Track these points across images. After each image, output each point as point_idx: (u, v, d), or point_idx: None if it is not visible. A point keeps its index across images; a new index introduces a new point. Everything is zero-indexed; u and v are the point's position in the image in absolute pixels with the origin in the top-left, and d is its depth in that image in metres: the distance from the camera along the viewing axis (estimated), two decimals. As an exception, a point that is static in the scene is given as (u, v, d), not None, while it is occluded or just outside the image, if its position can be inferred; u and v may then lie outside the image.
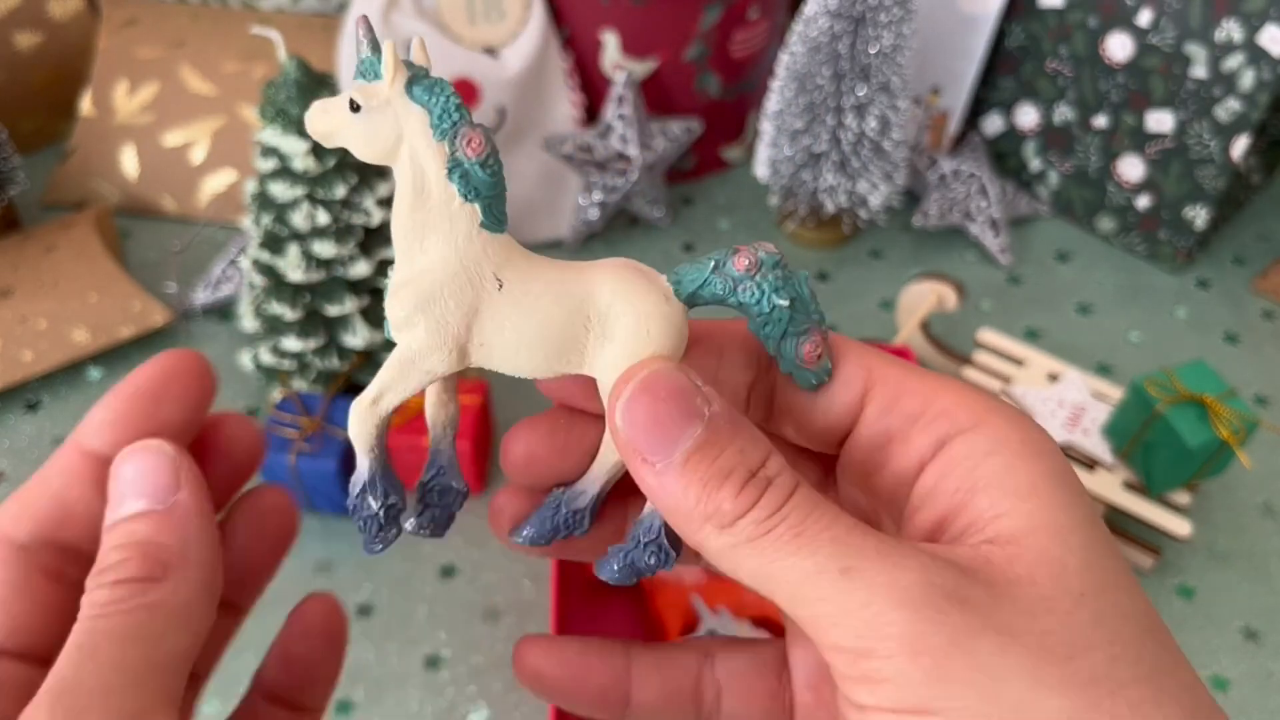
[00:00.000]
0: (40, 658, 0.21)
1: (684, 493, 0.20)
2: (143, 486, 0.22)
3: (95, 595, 0.20)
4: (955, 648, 0.18)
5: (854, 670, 0.19)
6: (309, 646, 0.26)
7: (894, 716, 0.18)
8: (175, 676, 0.20)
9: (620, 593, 0.55)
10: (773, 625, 0.51)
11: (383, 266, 0.58)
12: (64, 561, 0.22)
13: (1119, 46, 0.72)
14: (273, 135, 0.53)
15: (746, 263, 0.23)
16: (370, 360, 0.60)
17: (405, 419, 0.57)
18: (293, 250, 0.56)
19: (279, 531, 0.25)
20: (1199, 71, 0.69)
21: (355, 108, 0.23)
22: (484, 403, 0.59)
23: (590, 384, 0.23)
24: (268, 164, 0.54)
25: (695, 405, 0.20)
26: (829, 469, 0.25)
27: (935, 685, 0.18)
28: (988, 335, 0.67)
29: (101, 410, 0.23)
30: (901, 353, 0.55)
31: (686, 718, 0.26)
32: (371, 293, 0.59)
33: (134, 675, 0.19)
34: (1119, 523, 0.59)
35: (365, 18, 0.23)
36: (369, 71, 0.23)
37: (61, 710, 0.18)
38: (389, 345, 0.61)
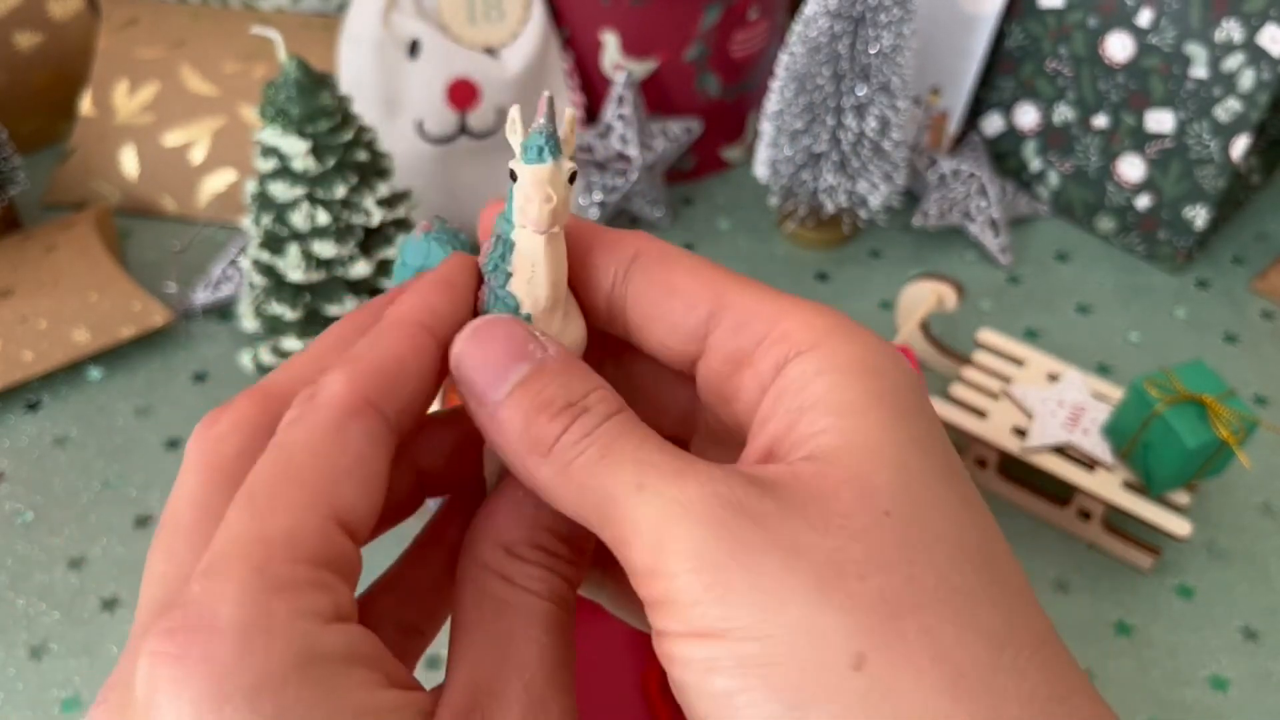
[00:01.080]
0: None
1: (511, 425, 0.20)
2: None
3: (542, 580, 0.20)
4: (736, 563, 0.17)
5: (651, 593, 0.18)
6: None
7: (686, 642, 0.18)
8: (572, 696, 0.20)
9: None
10: None
11: (383, 266, 0.58)
12: (400, 438, 0.20)
13: (1119, 46, 0.72)
14: (273, 135, 0.53)
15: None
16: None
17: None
18: (293, 250, 0.56)
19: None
20: (1199, 71, 0.69)
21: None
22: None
23: None
24: (268, 164, 0.54)
25: (526, 349, 0.20)
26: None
27: (719, 605, 0.17)
28: (987, 335, 0.67)
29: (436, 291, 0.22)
30: (902, 353, 0.55)
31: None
32: (372, 293, 0.59)
33: (568, 690, 0.20)
34: (1118, 522, 0.60)
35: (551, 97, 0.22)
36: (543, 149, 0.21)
37: None
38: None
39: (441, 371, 0.21)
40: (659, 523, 0.18)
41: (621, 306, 0.23)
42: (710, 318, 0.21)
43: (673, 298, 0.22)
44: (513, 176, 0.22)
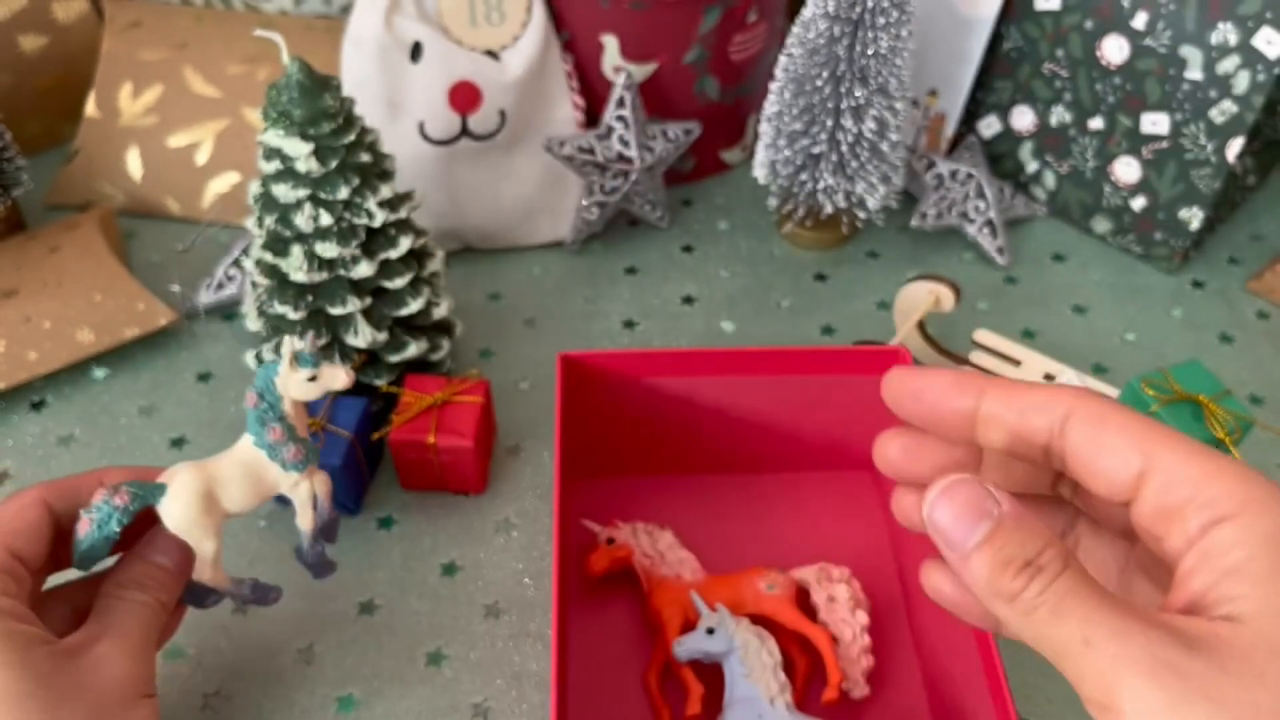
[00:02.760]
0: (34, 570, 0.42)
1: (979, 574, 0.26)
2: (175, 556, 0.47)
3: (142, 596, 0.44)
4: (1173, 711, 0.22)
5: (1101, 716, 0.24)
6: None
7: None
8: (155, 652, 0.44)
9: (620, 592, 0.56)
10: (768, 623, 0.52)
11: (384, 267, 0.59)
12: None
13: (1115, 49, 0.72)
14: (276, 137, 0.54)
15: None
16: (373, 359, 0.61)
17: (406, 419, 0.58)
18: (296, 251, 0.56)
19: None
20: (1194, 74, 0.69)
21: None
22: (485, 403, 0.59)
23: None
24: (271, 165, 0.55)
25: (986, 506, 0.26)
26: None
27: None
28: (984, 335, 0.67)
29: None
30: (899, 354, 0.55)
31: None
32: (374, 293, 0.60)
33: (152, 644, 0.44)
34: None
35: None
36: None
37: (124, 652, 0.42)
38: (390, 345, 0.62)
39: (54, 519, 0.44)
40: (1106, 671, 0.23)
41: (1060, 458, 0.28)
42: (1141, 476, 0.26)
43: (1106, 455, 0.26)
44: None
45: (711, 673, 0.50)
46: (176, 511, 0.44)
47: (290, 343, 0.45)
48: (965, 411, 0.29)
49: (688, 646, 0.49)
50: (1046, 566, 0.25)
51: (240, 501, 0.46)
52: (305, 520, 0.48)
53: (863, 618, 0.51)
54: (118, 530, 0.42)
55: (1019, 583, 0.25)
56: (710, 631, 0.49)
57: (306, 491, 0.47)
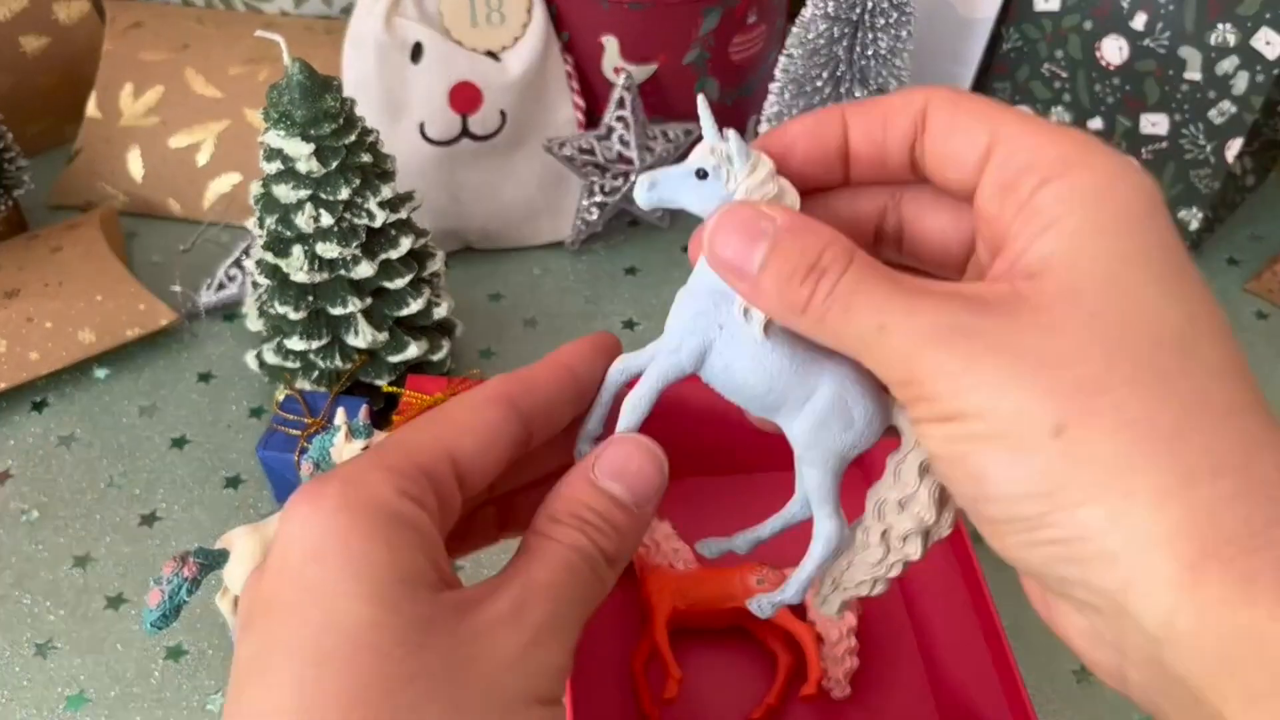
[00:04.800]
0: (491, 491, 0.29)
1: (770, 295, 0.25)
2: (632, 481, 0.28)
3: (573, 536, 0.26)
4: (965, 369, 0.22)
5: (906, 395, 0.24)
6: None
7: (935, 424, 0.23)
8: (575, 636, 0.26)
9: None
10: (756, 619, 0.52)
11: (385, 267, 0.59)
12: (529, 432, 0.28)
13: (1114, 49, 0.72)
14: (277, 138, 0.54)
15: None
16: (373, 359, 0.61)
17: (407, 418, 0.58)
18: (297, 251, 0.57)
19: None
20: (1193, 74, 0.69)
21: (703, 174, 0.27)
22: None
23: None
24: (272, 166, 0.55)
25: (759, 227, 0.25)
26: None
27: (954, 399, 0.22)
28: (984, 336, 0.67)
29: (585, 346, 0.30)
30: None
31: (866, 228, 0.29)
32: (374, 293, 0.60)
33: (568, 622, 0.26)
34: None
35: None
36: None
37: (520, 621, 0.24)
38: (391, 345, 0.62)
39: (571, 394, 0.29)
40: (903, 350, 0.23)
41: (921, 160, 0.27)
42: (987, 151, 0.25)
43: (957, 136, 0.26)
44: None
45: (694, 659, 0.51)
46: (240, 574, 0.48)
47: (344, 416, 0.49)
48: (837, 141, 0.27)
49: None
50: (830, 266, 0.24)
51: None
52: None
53: (851, 619, 0.52)
54: (188, 599, 0.45)
55: (805, 289, 0.24)
56: (702, 175, 0.27)
57: None
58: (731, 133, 0.27)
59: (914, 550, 0.28)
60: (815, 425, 0.27)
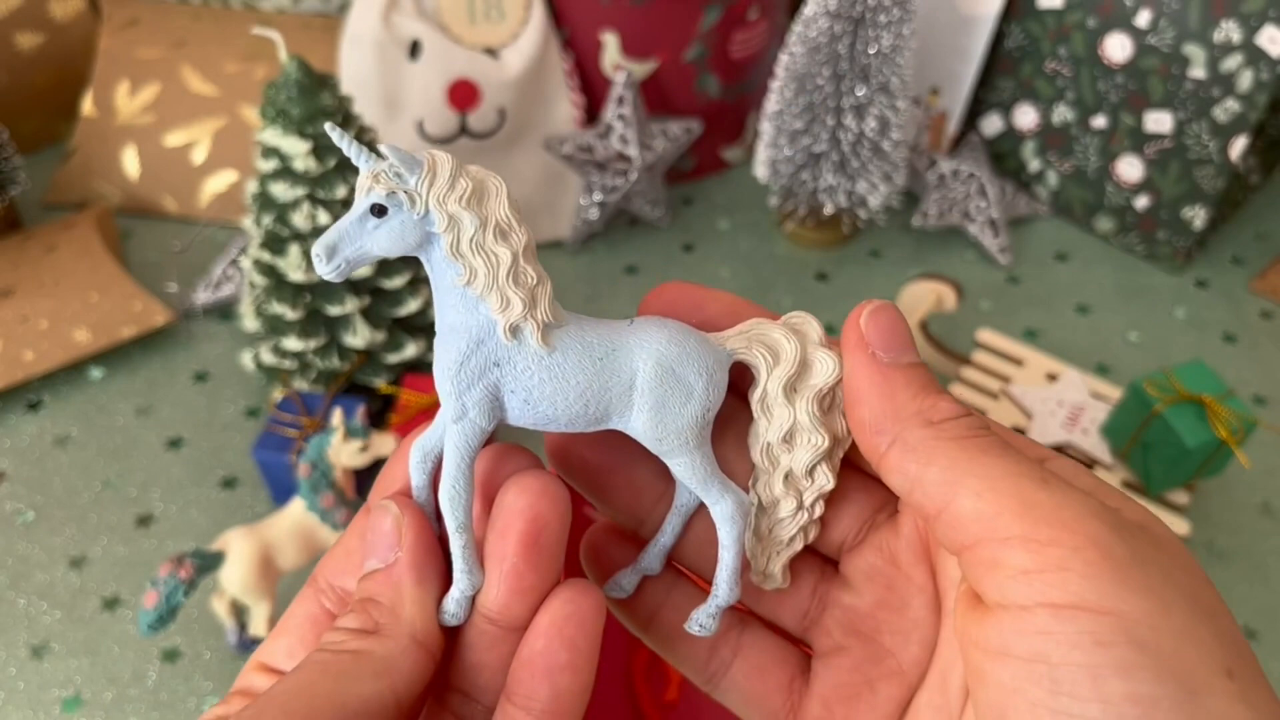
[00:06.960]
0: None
1: (901, 388, 0.24)
2: (376, 544, 0.24)
3: (328, 634, 0.23)
4: (1135, 560, 0.20)
5: (1027, 561, 0.20)
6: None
7: (1053, 611, 0.20)
8: (357, 717, 0.22)
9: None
10: None
11: (383, 266, 0.58)
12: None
13: (1118, 47, 0.72)
14: (274, 136, 0.53)
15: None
16: (371, 359, 0.61)
17: (404, 419, 0.57)
18: (293, 250, 0.56)
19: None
20: (1197, 72, 0.69)
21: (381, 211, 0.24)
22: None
23: None
24: (269, 164, 0.54)
25: (913, 339, 0.25)
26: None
27: (1118, 586, 0.20)
28: (987, 335, 0.67)
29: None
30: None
31: (698, 664, 0.28)
32: (372, 293, 0.59)
33: (314, 706, 0.21)
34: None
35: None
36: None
37: (249, 714, 0.21)
38: (389, 345, 0.62)
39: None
40: (1065, 507, 0.21)
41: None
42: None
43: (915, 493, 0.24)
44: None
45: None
46: (237, 577, 0.48)
47: (341, 416, 0.50)
48: None
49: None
50: (959, 419, 0.24)
51: (293, 560, 0.51)
52: None
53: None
54: (184, 601, 0.45)
55: (955, 409, 0.23)
56: (380, 212, 0.26)
57: None
58: (386, 147, 0.23)
59: (824, 479, 0.25)
60: (654, 411, 0.24)
